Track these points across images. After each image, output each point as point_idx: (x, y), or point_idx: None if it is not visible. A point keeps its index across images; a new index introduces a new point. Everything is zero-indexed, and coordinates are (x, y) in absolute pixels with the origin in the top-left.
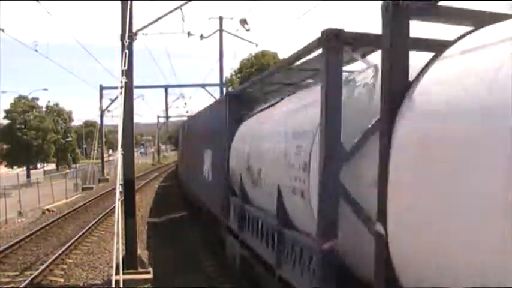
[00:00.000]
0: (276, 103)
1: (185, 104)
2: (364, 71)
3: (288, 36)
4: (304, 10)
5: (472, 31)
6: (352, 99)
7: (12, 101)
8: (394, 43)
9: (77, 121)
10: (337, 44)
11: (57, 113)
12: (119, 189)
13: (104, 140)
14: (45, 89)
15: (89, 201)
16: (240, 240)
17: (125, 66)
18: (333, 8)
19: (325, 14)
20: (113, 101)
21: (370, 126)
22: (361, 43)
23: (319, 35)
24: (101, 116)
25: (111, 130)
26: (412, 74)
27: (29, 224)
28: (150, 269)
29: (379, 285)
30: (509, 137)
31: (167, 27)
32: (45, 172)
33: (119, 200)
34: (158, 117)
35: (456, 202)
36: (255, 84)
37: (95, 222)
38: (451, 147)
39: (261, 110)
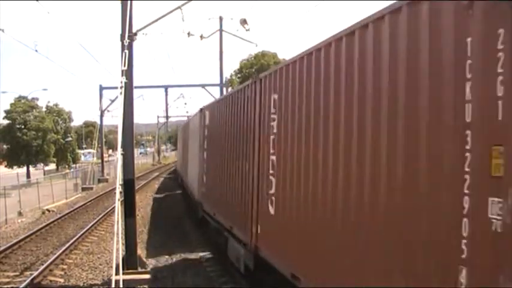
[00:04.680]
0: None
1: (185, 104)
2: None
3: (288, 36)
4: (304, 10)
5: None
6: None
7: (12, 101)
8: None
9: (77, 121)
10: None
11: (57, 113)
12: (119, 189)
13: (104, 140)
14: (45, 89)
15: (89, 201)
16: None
17: (124, 66)
18: (333, 8)
19: (325, 14)
20: (113, 101)
21: None
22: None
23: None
24: (101, 116)
25: (111, 130)
26: None
27: (29, 224)
28: (150, 269)
29: None
30: None
31: (167, 27)
32: (45, 172)
33: (118, 200)
34: (158, 117)
35: None
36: None
37: (95, 222)
38: None
39: None
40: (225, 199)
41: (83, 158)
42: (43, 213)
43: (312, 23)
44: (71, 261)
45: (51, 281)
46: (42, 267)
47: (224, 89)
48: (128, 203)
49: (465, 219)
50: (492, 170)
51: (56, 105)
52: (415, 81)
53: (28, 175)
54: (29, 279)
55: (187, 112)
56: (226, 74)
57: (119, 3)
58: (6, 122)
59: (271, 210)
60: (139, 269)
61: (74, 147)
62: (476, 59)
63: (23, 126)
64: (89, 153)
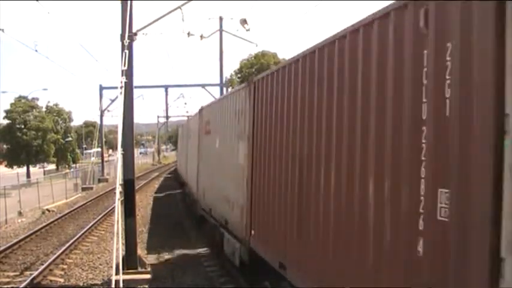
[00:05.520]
0: None
1: (185, 104)
2: None
3: (288, 36)
4: (304, 10)
5: None
6: None
7: (12, 101)
8: None
9: (77, 121)
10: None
11: (57, 113)
12: (118, 189)
13: (104, 140)
14: (45, 89)
15: (89, 201)
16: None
17: (124, 66)
18: (332, 8)
19: (325, 14)
20: (113, 101)
21: None
22: None
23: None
24: (101, 116)
25: (111, 130)
26: None
27: (29, 224)
28: (150, 269)
29: None
30: None
31: (167, 27)
32: (45, 172)
33: (118, 200)
34: (158, 117)
35: None
36: None
37: (95, 222)
38: None
39: None
40: None
41: (93, 158)
42: (43, 213)
43: (312, 23)
44: (71, 261)
45: (51, 280)
46: (42, 267)
47: (224, 89)
48: (127, 203)
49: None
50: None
51: (56, 105)
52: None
53: (28, 175)
54: (29, 279)
55: (187, 112)
56: (226, 74)
57: (118, 3)
58: (6, 122)
59: None
60: (139, 269)
61: (74, 147)
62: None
63: (23, 126)
64: (97, 152)
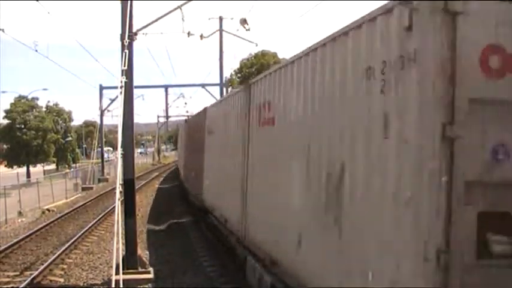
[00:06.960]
0: None
1: (185, 104)
2: None
3: (288, 36)
4: (304, 10)
5: None
6: None
7: (12, 101)
8: None
9: (77, 121)
10: None
11: (57, 113)
12: (119, 189)
13: (104, 140)
14: (45, 89)
15: (89, 201)
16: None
17: (124, 66)
18: (332, 8)
19: (325, 14)
20: (112, 100)
21: None
22: None
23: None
24: (101, 116)
25: (111, 130)
26: None
27: (29, 224)
28: (151, 269)
29: None
30: None
31: (167, 27)
32: (45, 172)
33: (119, 200)
34: (158, 117)
35: None
36: None
37: (95, 222)
38: None
39: None
40: None
41: (110, 155)
42: (43, 213)
43: (312, 23)
44: (71, 261)
45: (51, 280)
46: (42, 267)
47: (224, 89)
48: (127, 202)
49: None
50: None
51: (56, 105)
52: None
53: (28, 175)
54: (29, 279)
55: (187, 112)
56: (227, 74)
57: (118, 3)
58: (6, 122)
59: None
60: (140, 269)
61: (74, 147)
62: None
63: (23, 126)
64: (107, 151)
